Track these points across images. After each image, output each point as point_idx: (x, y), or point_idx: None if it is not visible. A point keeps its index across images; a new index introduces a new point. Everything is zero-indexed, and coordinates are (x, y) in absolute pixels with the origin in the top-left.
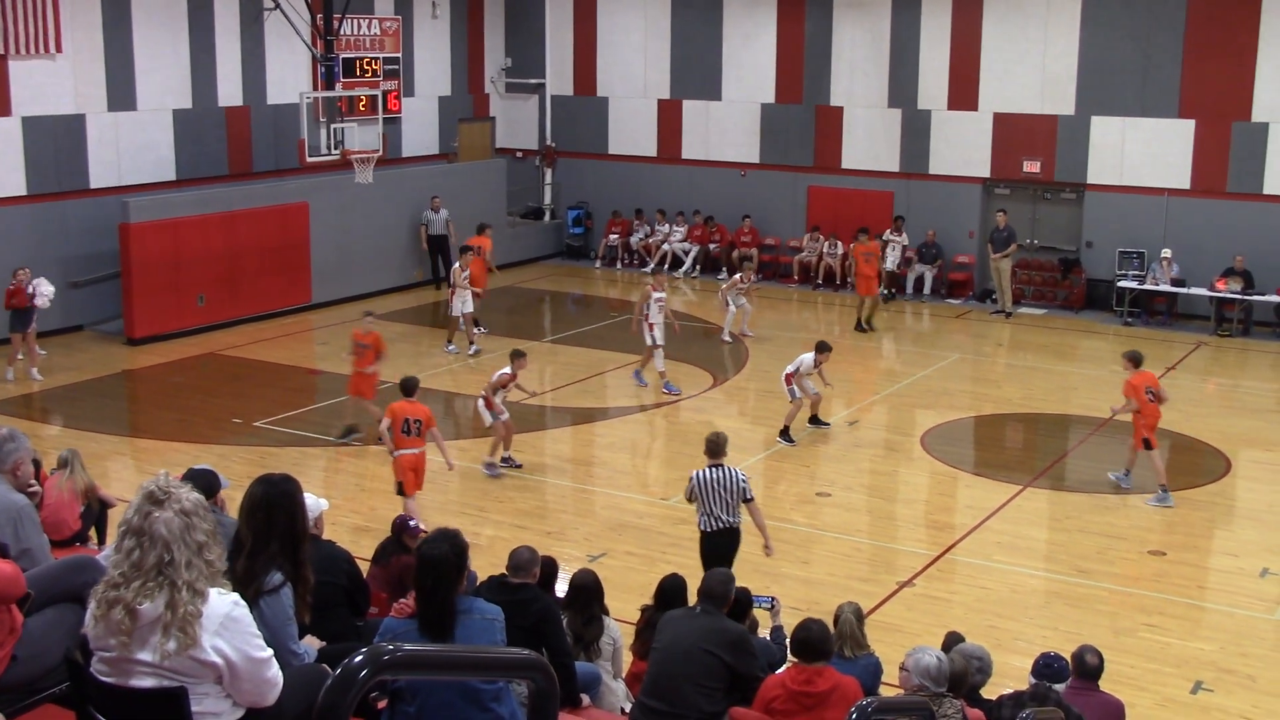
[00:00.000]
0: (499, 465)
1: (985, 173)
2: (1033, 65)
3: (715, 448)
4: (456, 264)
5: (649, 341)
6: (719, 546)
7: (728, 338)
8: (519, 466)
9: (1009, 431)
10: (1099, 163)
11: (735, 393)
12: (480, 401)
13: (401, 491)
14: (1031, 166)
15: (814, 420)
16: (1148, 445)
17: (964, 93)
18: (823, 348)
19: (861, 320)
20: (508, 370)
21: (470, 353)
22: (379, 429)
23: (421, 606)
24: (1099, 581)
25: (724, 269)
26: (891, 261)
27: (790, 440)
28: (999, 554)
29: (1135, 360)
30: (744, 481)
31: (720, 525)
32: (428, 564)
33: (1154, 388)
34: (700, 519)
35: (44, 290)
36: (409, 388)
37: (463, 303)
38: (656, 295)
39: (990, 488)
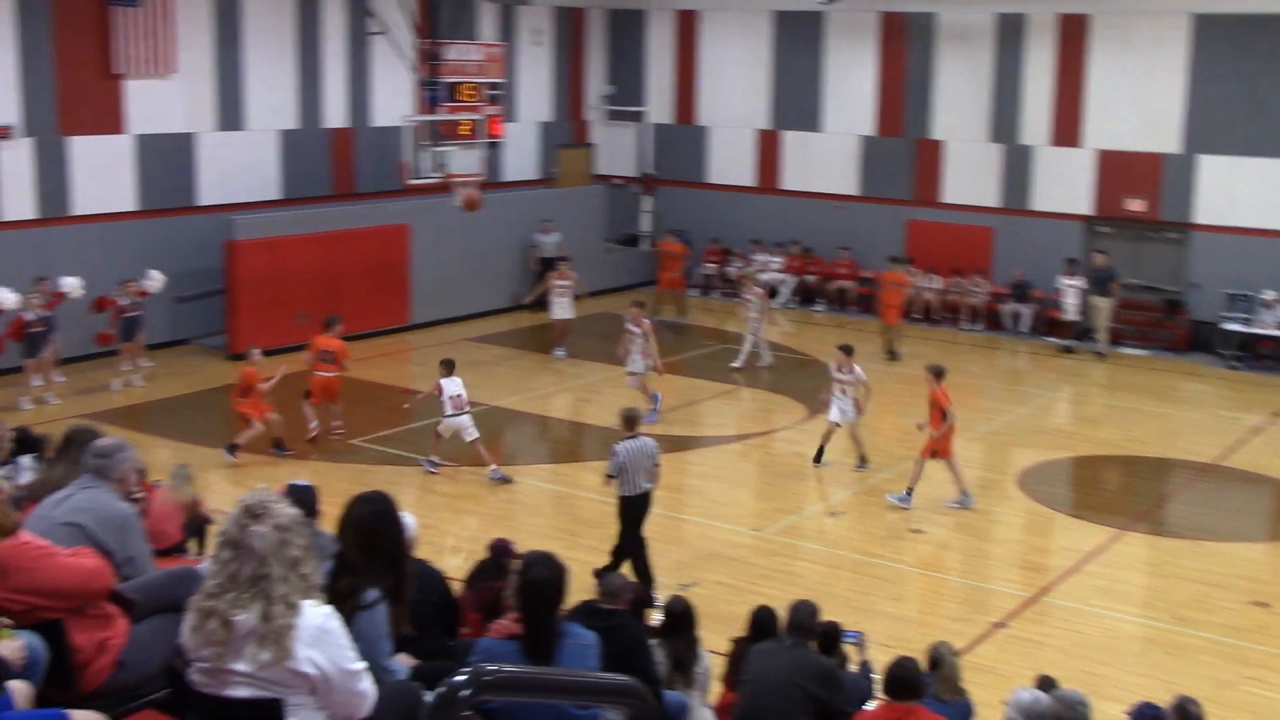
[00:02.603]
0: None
1: (1087, 210)
2: (1138, 102)
3: (632, 420)
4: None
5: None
6: (638, 509)
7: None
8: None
9: (1108, 473)
10: (1206, 202)
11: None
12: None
13: (307, 397)
14: (1135, 205)
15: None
16: (935, 454)
17: (1067, 128)
18: (841, 349)
19: (893, 348)
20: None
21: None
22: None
23: (527, 629)
24: (1199, 630)
25: (818, 300)
26: (1073, 309)
27: (817, 462)
28: (1095, 598)
29: (938, 373)
30: (655, 446)
31: (640, 490)
32: (534, 587)
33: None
34: (622, 487)
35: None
36: (329, 324)
37: (562, 309)
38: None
39: (1087, 530)
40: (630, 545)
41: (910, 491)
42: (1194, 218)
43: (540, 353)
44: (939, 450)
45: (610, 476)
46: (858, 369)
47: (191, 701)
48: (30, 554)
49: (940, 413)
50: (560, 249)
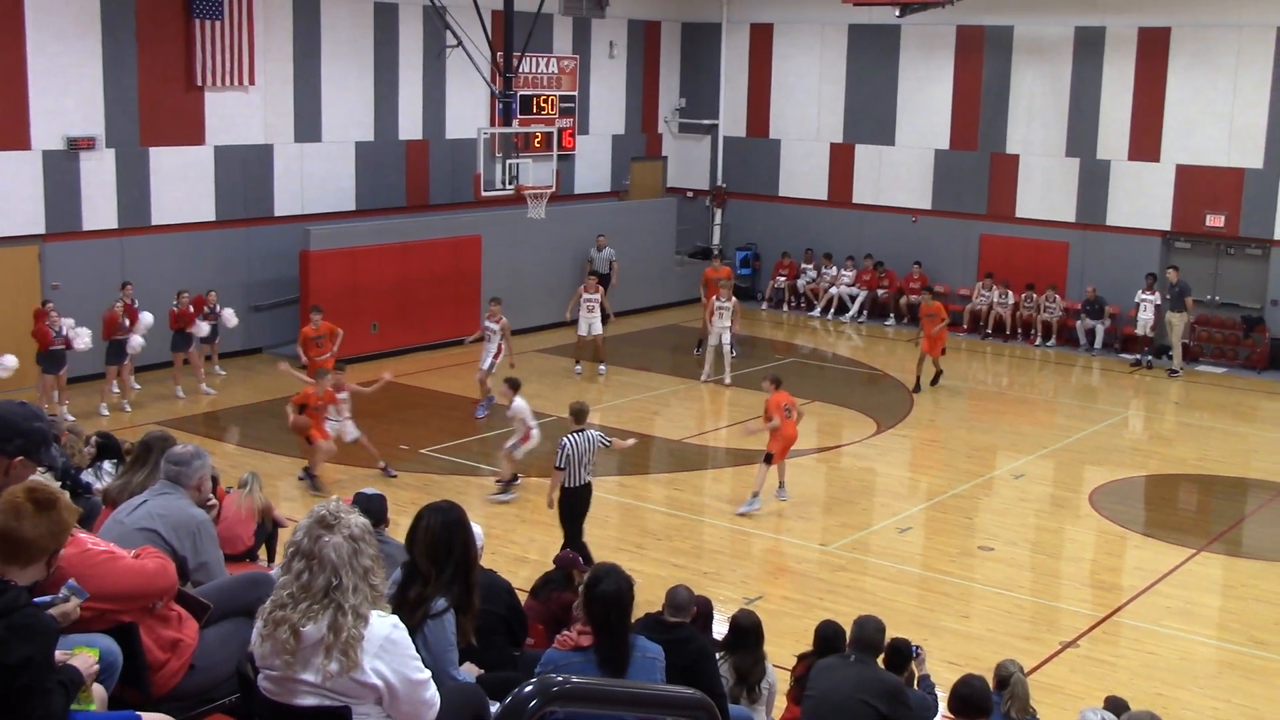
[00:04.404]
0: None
1: (1165, 225)
2: (1220, 117)
3: (581, 413)
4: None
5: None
6: (580, 501)
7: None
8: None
9: (1182, 493)
10: None
11: (898, 440)
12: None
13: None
14: (1215, 221)
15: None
16: (769, 459)
17: (1146, 143)
18: (507, 381)
19: (919, 381)
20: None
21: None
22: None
23: (599, 641)
24: (1276, 654)
25: (891, 315)
26: (1144, 325)
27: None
28: (1169, 619)
29: (776, 382)
30: (600, 436)
31: (582, 482)
32: (609, 599)
33: (791, 406)
34: (564, 479)
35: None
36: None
37: (587, 324)
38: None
39: (1161, 550)
40: (572, 539)
41: (756, 495)
42: (1276, 234)
43: (611, 364)
44: (774, 454)
45: (559, 468)
46: (519, 401)
47: (260, 708)
48: (93, 561)
49: (768, 418)
50: (611, 264)
